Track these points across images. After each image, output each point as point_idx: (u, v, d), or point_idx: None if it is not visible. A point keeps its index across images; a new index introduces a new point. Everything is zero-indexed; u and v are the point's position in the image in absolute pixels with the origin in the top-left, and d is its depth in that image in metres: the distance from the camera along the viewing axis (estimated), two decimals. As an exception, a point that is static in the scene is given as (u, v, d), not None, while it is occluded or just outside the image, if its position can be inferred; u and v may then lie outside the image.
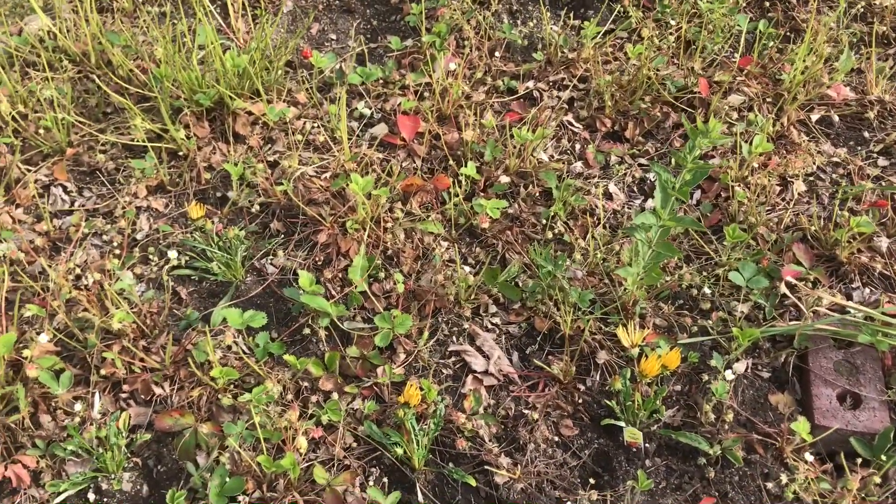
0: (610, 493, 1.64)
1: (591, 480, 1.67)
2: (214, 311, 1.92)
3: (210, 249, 1.98)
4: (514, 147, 2.19)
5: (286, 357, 1.79)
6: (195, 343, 1.83)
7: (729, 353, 1.82)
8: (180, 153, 2.27)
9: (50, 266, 1.97)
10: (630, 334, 1.74)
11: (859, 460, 1.63)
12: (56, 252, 2.08)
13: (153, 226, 2.13)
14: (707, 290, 1.93)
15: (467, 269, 1.97)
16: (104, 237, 2.10)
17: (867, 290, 1.93)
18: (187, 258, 2.03)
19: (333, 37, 2.71)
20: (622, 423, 1.71)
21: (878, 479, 1.59)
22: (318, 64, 2.44)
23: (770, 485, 1.63)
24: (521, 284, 1.95)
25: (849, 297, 1.92)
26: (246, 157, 2.24)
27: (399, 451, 1.63)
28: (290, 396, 1.76)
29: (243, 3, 2.65)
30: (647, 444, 1.72)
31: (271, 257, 2.05)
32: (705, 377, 1.79)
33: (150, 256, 2.03)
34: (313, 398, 1.78)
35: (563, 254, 1.89)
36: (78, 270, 1.98)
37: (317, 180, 2.17)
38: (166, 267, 1.93)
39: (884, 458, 1.61)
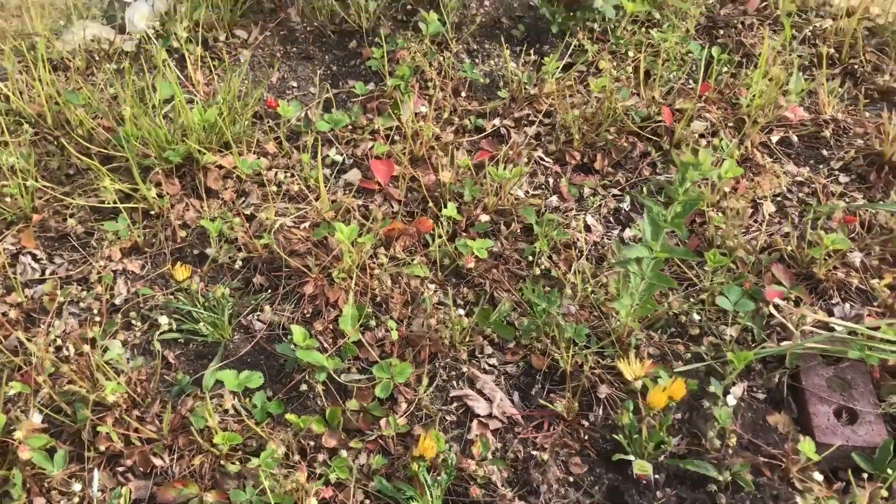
0: (626, 529, 1.64)
1: (607, 517, 1.68)
2: (206, 374, 1.87)
3: (196, 310, 1.93)
4: (491, 185, 2.20)
5: (287, 416, 1.76)
6: (192, 409, 1.78)
7: (724, 378, 1.85)
8: (152, 212, 2.21)
9: (29, 339, 1.89)
10: (631, 367, 1.76)
11: (864, 475, 1.68)
12: (31, 324, 2.00)
13: (131, 289, 2.07)
14: (696, 316, 1.96)
15: (461, 311, 1.97)
16: (81, 304, 2.03)
17: (847, 305, 1.99)
18: (172, 321, 1.98)
19: (294, 84, 2.70)
20: (631, 457, 1.72)
21: (885, 493, 1.64)
22: (286, 113, 2.42)
23: (782, 506, 1.67)
24: (514, 323, 1.96)
25: (830, 313, 1.98)
26: (221, 211, 2.20)
27: (427, 500, 1.61)
28: (296, 457, 1.72)
29: (200, 55, 2.61)
30: (656, 476, 1.73)
31: (258, 313, 2.02)
32: (705, 403, 1.82)
33: (133, 322, 1.98)
34: (319, 456, 1.74)
35: (555, 290, 1.91)
36: (59, 341, 1.91)
37: (296, 231, 2.14)
38: (157, 333, 1.87)
39: (889, 471, 1.65)
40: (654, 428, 1.72)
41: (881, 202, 2.19)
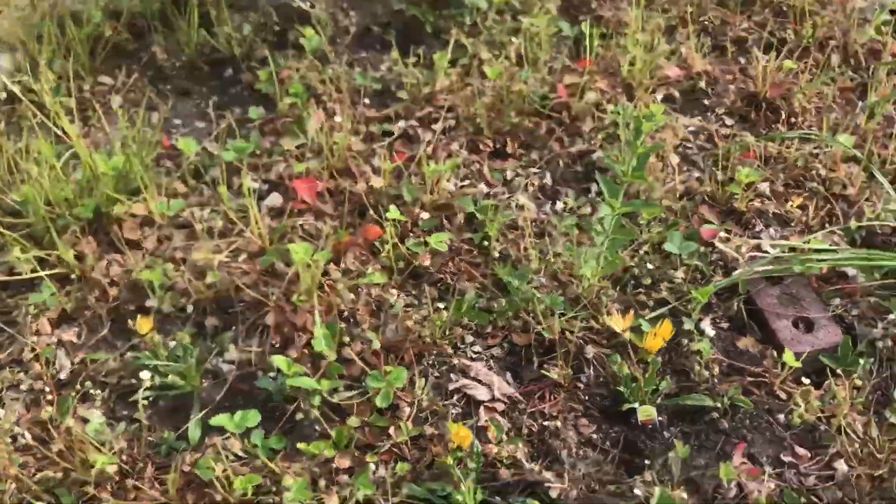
0: (651, 473, 1.70)
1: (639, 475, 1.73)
2: (190, 426, 1.76)
3: (162, 363, 1.81)
4: (423, 183, 2.22)
5: (299, 446, 1.69)
6: (194, 463, 1.66)
7: (690, 315, 1.96)
8: (72, 276, 2.04)
9: (-23, 436, 1.69)
10: (618, 321, 1.84)
11: (837, 371, 1.84)
12: (-34, 420, 1.79)
13: (75, 360, 1.90)
14: (649, 266, 2.07)
15: (440, 305, 1.96)
16: (21, 387, 1.84)
17: (771, 230, 2.18)
18: (135, 381, 1.84)
19: (178, 121, 2.59)
20: (636, 405, 1.79)
21: (858, 382, 1.80)
22: (188, 150, 2.32)
23: (780, 416, 1.79)
24: (488, 308, 1.98)
25: (757, 239, 2.15)
26: (150, 260, 2.07)
27: (460, 497, 1.59)
28: (322, 483, 1.65)
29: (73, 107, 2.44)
30: (659, 418, 1.81)
31: (222, 356, 1.92)
32: (683, 342, 1.92)
33: (92, 391, 1.82)
34: (340, 479, 1.68)
35: (523, 266, 1.95)
36: (15, 429, 1.72)
37: (237, 265, 2.06)
38: (142, 390, 1.73)
39: (861, 362, 1.82)
40: (647, 373, 1.79)
41: (772, 134, 2.41)
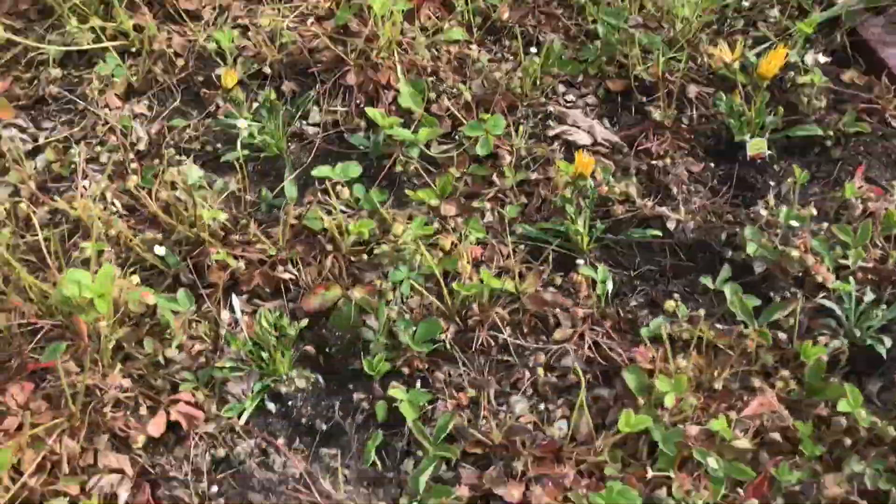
0: (770, 198, 1.64)
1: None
2: (286, 184, 1.69)
3: (249, 123, 1.72)
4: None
5: (408, 192, 1.63)
6: (300, 216, 1.61)
7: (793, 48, 1.86)
8: (133, 49, 1.93)
9: (70, 206, 1.62)
10: (727, 52, 1.74)
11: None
12: (44, 192, 1.73)
13: (150, 131, 1.82)
14: (745, 3, 1.94)
15: (533, 49, 1.85)
16: (101, 160, 1.77)
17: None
18: (220, 146, 1.77)
19: None
20: (745, 138, 1.72)
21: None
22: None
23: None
24: (577, 57, 1.87)
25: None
26: (217, 29, 1.94)
27: (578, 227, 1.54)
28: (436, 225, 1.60)
29: None
30: (769, 152, 1.74)
31: (304, 120, 1.83)
32: (788, 75, 1.82)
33: (178, 156, 1.74)
34: (448, 223, 1.63)
35: (623, 3, 1.84)
36: (106, 196, 1.66)
37: (309, 28, 1.94)
38: (239, 140, 1.65)
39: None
40: (757, 104, 1.70)
41: None
